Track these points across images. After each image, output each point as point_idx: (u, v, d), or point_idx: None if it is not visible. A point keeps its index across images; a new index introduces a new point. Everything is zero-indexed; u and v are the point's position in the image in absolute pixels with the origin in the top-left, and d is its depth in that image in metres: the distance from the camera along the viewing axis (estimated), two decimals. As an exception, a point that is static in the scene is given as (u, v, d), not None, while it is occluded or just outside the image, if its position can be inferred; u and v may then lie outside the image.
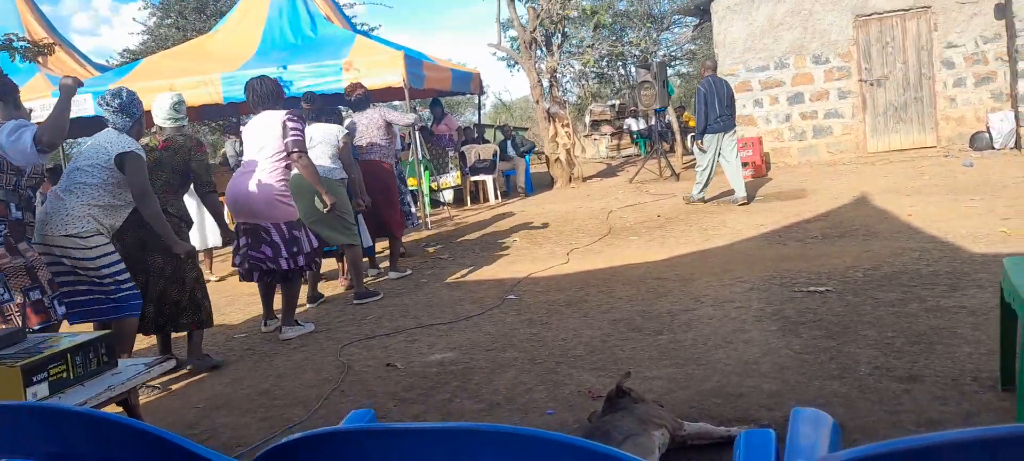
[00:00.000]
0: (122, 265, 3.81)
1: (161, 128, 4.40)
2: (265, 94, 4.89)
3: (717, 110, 8.43)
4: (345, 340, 4.58)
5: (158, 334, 4.38)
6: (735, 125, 8.74)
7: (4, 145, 3.33)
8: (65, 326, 3.70)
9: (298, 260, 4.79)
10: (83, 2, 52.70)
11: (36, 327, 3.34)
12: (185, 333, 4.37)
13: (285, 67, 9.16)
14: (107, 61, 19.38)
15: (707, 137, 8.53)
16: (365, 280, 6.06)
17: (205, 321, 4.33)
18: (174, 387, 4.07)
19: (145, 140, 4.23)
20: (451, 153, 11.67)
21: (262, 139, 4.79)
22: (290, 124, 4.74)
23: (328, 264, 6.52)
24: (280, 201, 4.74)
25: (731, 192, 8.74)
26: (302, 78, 9.01)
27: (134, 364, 2.71)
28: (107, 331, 2.89)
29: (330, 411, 3.40)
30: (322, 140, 5.75)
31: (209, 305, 4.37)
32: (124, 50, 22.79)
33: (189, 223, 4.40)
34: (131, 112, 3.93)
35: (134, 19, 37.10)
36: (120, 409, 2.71)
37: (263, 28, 10.56)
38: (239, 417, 3.48)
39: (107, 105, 3.90)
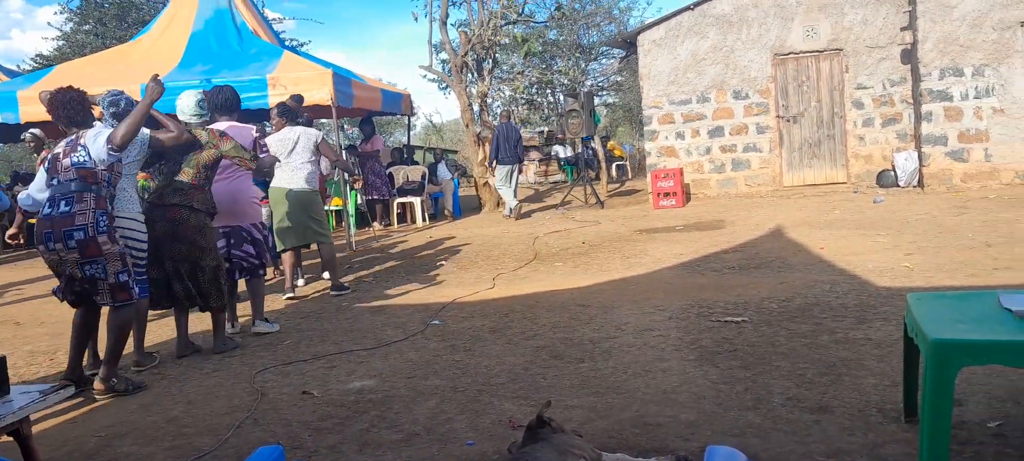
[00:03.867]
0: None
1: (187, 125, 4.75)
2: (223, 102, 5.29)
3: (505, 149, 11.37)
4: (260, 366, 4.43)
5: (180, 313, 4.79)
6: (520, 160, 11.81)
7: (93, 148, 3.94)
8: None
9: (267, 256, 5.50)
10: (-8, 2, 50.20)
11: (119, 303, 4.02)
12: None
13: (209, 80, 8.90)
14: (18, 66, 18.47)
15: (500, 168, 11.50)
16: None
17: (224, 306, 4.87)
18: (74, 413, 3.85)
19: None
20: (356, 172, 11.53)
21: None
22: (263, 142, 5.29)
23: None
24: (255, 203, 5.38)
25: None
26: (225, 92, 8.77)
27: (26, 392, 2.54)
28: (-1, 355, 2.71)
29: (242, 441, 3.27)
30: (304, 144, 6.33)
31: (225, 291, 4.87)
32: (37, 55, 21.78)
33: (213, 214, 4.78)
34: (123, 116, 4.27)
35: (49, 23, 35.57)
36: (11, 439, 2.54)
37: (187, 39, 10.26)
38: (144, 446, 3.31)
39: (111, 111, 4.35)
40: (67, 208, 3.88)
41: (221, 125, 5.13)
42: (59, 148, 4.06)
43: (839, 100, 11.50)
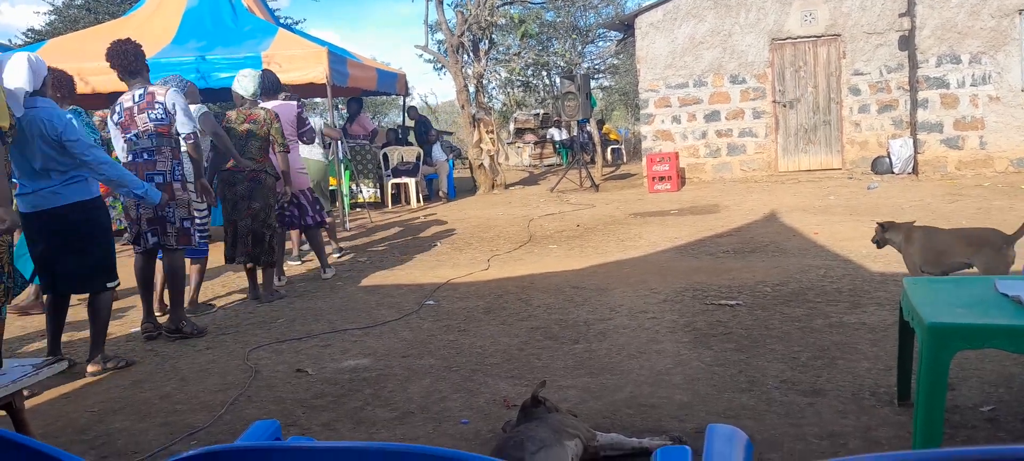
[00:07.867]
0: None
1: (247, 103, 5.44)
2: (270, 85, 6.06)
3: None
4: (254, 343, 4.42)
5: (248, 266, 5.49)
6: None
7: (173, 110, 4.46)
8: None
9: (321, 215, 6.27)
10: (-17, -24, 49.49)
11: (181, 246, 4.55)
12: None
13: (203, 57, 8.83)
14: (10, 41, 18.30)
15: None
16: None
17: (273, 262, 5.59)
18: (67, 389, 3.84)
19: (234, 114, 5.41)
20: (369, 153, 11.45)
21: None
22: (304, 116, 6.15)
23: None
24: (301, 173, 6.10)
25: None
26: (220, 69, 8.69)
27: (20, 365, 2.53)
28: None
29: (235, 417, 3.27)
30: (318, 127, 7.40)
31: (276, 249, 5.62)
32: (29, 30, 21.57)
33: (278, 177, 5.53)
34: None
35: (40, -2, 35.08)
36: (3, 413, 2.52)
37: (181, 15, 10.14)
38: (137, 422, 3.30)
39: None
40: (150, 157, 4.42)
41: (270, 104, 5.84)
42: (128, 101, 4.47)
43: (835, 86, 11.49)
